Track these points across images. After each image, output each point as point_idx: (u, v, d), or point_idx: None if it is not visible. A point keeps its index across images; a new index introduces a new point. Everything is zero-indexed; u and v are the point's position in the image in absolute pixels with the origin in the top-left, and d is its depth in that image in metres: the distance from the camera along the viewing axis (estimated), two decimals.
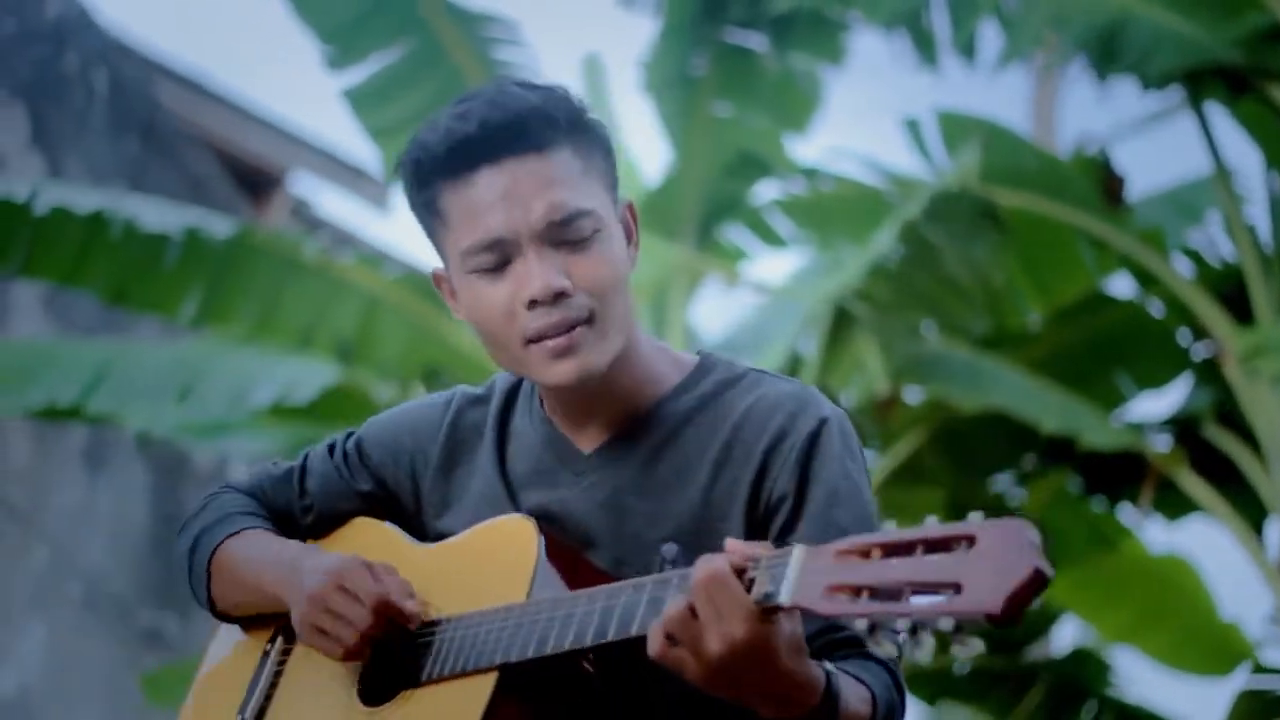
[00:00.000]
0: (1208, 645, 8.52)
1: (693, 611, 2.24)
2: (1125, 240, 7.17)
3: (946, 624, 2.07)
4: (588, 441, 2.62)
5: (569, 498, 2.60)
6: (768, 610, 2.22)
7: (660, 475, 2.57)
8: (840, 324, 6.78)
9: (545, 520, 2.58)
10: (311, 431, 7.65)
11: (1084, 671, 8.17)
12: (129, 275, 7.32)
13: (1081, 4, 6.76)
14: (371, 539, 2.74)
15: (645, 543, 2.54)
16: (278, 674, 2.74)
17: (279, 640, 2.75)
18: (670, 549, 2.52)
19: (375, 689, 2.61)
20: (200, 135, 11.34)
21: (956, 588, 2.07)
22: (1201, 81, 6.86)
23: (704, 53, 7.87)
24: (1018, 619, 2.07)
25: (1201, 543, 9.14)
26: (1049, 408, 6.80)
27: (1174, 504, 7.69)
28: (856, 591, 2.14)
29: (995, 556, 2.07)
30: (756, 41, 7.96)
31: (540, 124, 2.52)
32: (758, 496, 2.52)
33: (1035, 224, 7.29)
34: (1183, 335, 7.53)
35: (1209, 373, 7.47)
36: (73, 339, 8.78)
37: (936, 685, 8.15)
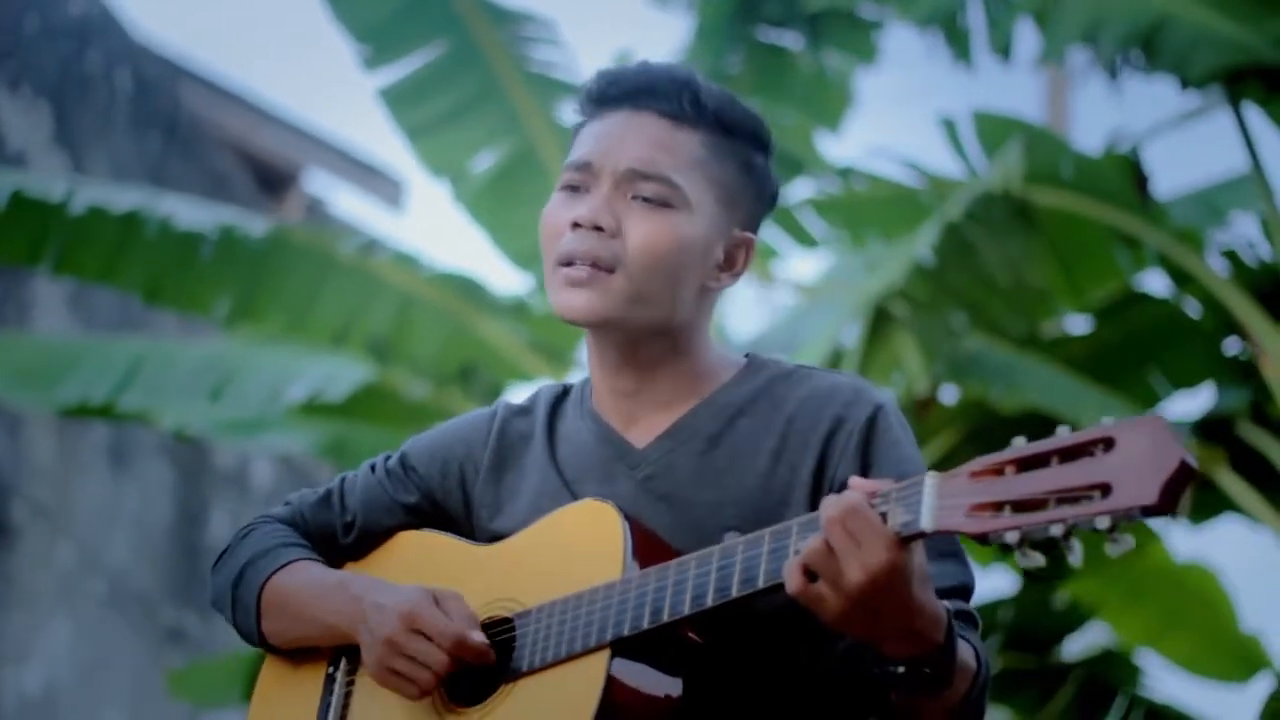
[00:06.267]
0: (1228, 653, 8.52)
1: (829, 546, 2.29)
2: (1160, 239, 7.17)
3: (1103, 523, 2.13)
4: (640, 436, 2.66)
5: (626, 492, 2.63)
6: (907, 538, 2.28)
7: (717, 465, 2.61)
8: (878, 323, 6.78)
9: None
10: (344, 429, 7.65)
11: (1114, 671, 8.16)
12: (163, 274, 7.31)
13: (1120, 4, 6.77)
14: (425, 547, 2.75)
15: (706, 532, 2.56)
16: (348, 695, 2.73)
17: (343, 662, 2.75)
18: (733, 537, 2.53)
19: (463, 690, 2.61)
20: (217, 133, 11.36)
21: (1105, 489, 2.14)
22: (1241, 81, 6.86)
23: (738, 51, 7.89)
24: (1172, 509, 2.12)
25: (1228, 543, 9.15)
26: (1088, 407, 6.81)
27: (1207, 504, 7.69)
28: (998, 507, 2.20)
29: (1139, 452, 2.13)
30: (790, 40, 7.98)
31: (686, 100, 2.63)
32: (820, 482, 2.58)
33: (1069, 223, 7.29)
34: (1218, 334, 7.53)
35: (1243, 371, 7.48)
36: (103, 336, 8.77)
37: None
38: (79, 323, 9.84)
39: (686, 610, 2.43)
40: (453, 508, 2.77)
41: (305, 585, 2.73)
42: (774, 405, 2.63)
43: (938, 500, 2.25)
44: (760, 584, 2.39)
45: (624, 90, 2.65)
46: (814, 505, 2.55)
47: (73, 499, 9.87)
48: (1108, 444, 2.15)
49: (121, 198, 7.25)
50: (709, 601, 2.42)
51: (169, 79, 10.88)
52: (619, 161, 2.61)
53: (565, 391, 2.77)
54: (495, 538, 2.70)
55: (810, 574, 2.31)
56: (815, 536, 2.30)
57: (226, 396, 7.52)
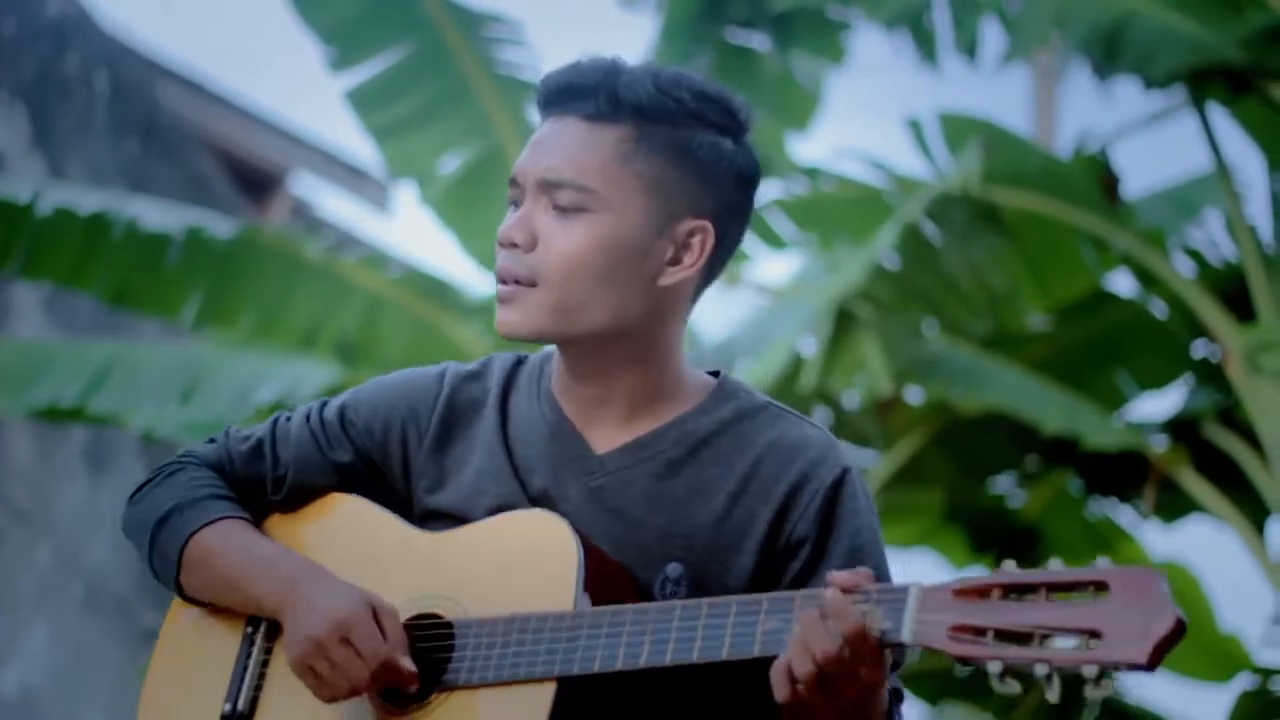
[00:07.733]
0: (1206, 654, 8.52)
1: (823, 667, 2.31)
2: (1126, 239, 7.18)
3: (1090, 671, 2.13)
4: (600, 441, 2.62)
5: (575, 496, 2.60)
6: (885, 645, 2.28)
7: (673, 493, 2.59)
8: (842, 324, 6.78)
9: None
10: None
11: None
12: (130, 276, 7.31)
13: (1085, 4, 6.77)
14: (364, 523, 2.69)
15: (650, 558, 2.56)
16: (265, 662, 2.67)
17: (263, 626, 2.68)
18: (675, 569, 2.55)
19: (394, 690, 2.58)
20: (201, 136, 11.35)
21: (1095, 634, 2.14)
22: (1204, 81, 6.87)
23: (705, 52, 7.88)
24: (1157, 667, 2.13)
25: (1199, 544, 9.16)
26: (1051, 408, 6.81)
27: (1174, 505, 7.69)
28: (981, 632, 2.19)
29: (1135, 604, 2.14)
30: (758, 41, 7.98)
31: (603, 97, 2.60)
32: (776, 535, 2.56)
33: (1036, 224, 7.30)
34: (1184, 335, 7.54)
35: (1210, 372, 7.49)
36: (75, 339, 8.77)
37: (938, 685, 8.15)
38: (56, 326, 9.84)
39: (642, 664, 2.43)
40: (391, 470, 2.71)
41: (235, 550, 2.67)
42: (740, 444, 2.60)
43: (919, 614, 2.25)
44: (723, 656, 2.39)
45: (550, 95, 2.64)
46: (766, 556, 2.56)
47: (51, 502, 9.87)
48: (1100, 587, 2.15)
49: (88, 200, 7.24)
50: (666, 661, 2.42)
51: (148, 81, 10.88)
52: (534, 173, 2.58)
53: (519, 363, 2.71)
54: (431, 513, 2.66)
55: (799, 684, 2.32)
56: (805, 656, 2.31)
57: (196, 399, 7.52)
